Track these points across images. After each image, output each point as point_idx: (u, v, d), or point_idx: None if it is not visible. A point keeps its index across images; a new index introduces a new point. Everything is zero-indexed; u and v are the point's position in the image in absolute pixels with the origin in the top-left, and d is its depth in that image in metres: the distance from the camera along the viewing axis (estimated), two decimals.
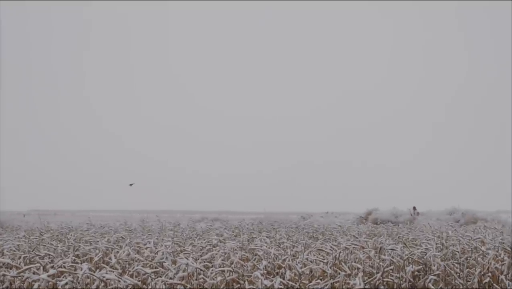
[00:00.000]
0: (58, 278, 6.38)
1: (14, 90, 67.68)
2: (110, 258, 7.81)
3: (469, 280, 7.36)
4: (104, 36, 78.28)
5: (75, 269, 6.65)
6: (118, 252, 8.10)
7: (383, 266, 7.00)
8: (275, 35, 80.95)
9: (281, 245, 9.39)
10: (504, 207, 32.62)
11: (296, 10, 74.07)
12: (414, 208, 31.71)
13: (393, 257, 7.41)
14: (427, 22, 70.73)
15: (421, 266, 7.54)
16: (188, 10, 74.73)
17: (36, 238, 10.93)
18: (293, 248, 9.05)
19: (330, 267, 7.01)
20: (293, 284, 6.33)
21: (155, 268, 7.05)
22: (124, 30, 79.27)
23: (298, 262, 7.36)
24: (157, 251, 8.14)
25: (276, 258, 7.91)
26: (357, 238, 10.90)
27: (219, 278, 6.57)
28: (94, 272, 6.33)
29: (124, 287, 6.05)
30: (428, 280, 6.91)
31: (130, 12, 74.61)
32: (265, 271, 7.16)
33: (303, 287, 6.34)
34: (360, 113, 72.40)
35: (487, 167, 54.14)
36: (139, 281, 6.38)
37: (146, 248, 8.64)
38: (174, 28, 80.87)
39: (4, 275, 6.31)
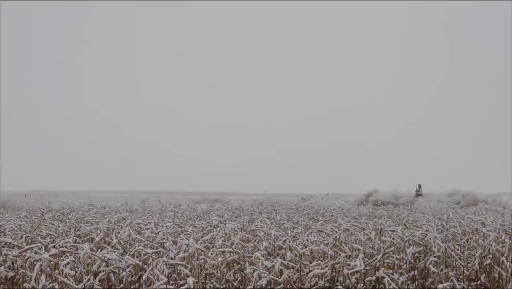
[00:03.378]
0: (59, 258, 6.40)
1: (15, 78, 67.61)
2: (111, 238, 7.82)
3: (469, 261, 7.37)
4: (104, 25, 77.87)
5: (77, 249, 6.66)
6: (119, 232, 8.11)
7: (383, 248, 7.01)
8: (264, 24, 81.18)
9: (282, 226, 9.40)
10: (505, 189, 32.66)
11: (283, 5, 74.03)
12: (420, 186, 31.74)
13: (393, 239, 7.41)
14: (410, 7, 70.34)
15: (422, 248, 7.55)
16: None
17: (37, 218, 10.95)
18: (294, 229, 9.06)
19: (331, 248, 7.02)
20: (294, 265, 6.35)
21: (156, 248, 7.06)
22: (125, 16, 78.84)
23: (299, 243, 7.37)
24: (158, 232, 8.15)
25: (277, 239, 7.92)
26: (357, 219, 10.91)
27: (219, 259, 6.59)
28: (96, 252, 6.34)
29: (125, 267, 6.07)
30: (428, 262, 6.92)
31: None
32: (266, 252, 7.17)
33: (303, 268, 6.35)
34: (352, 94, 72.67)
35: (488, 149, 54.23)
36: (140, 261, 6.40)
37: (147, 229, 8.65)
38: (173, 16, 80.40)
39: (6, 254, 6.32)
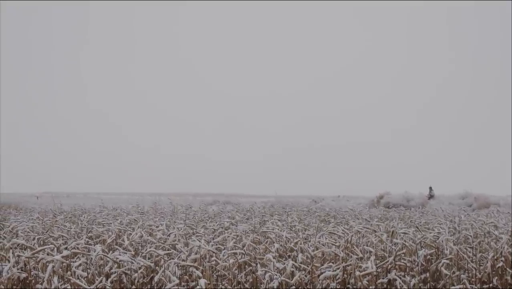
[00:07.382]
0: (72, 259, 6.43)
1: (16, 79, 67.89)
2: (123, 240, 7.85)
3: (482, 264, 7.34)
4: (105, 25, 77.87)
5: (89, 251, 6.69)
6: (130, 234, 8.14)
7: (395, 250, 6.99)
8: (264, 26, 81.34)
9: (293, 228, 9.40)
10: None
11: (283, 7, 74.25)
12: (431, 188, 31.62)
13: (405, 241, 7.39)
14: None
15: (434, 250, 7.52)
16: None
17: (49, 220, 10.99)
18: (305, 231, 9.05)
19: (342, 251, 7.01)
20: (305, 266, 6.34)
21: (168, 250, 7.08)
22: (125, 18, 78.90)
23: (310, 245, 7.36)
24: (170, 234, 8.17)
25: (288, 241, 7.91)
26: (369, 221, 10.89)
27: (231, 261, 6.59)
28: (107, 254, 6.37)
29: (137, 269, 6.09)
30: (440, 264, 6.89)
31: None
32: (277, 254, 7.17)
33: (315, 270, 6.35)
34: (356, 94, 72.73)
35: (494, 150, 53.96)
36: (152, 262, 6.42)
37: (159, 230, 8.67)
38: (174, 16, 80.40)
39: (19, 256, 6.36)
